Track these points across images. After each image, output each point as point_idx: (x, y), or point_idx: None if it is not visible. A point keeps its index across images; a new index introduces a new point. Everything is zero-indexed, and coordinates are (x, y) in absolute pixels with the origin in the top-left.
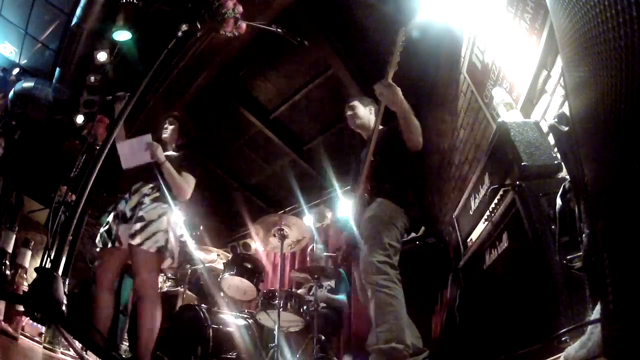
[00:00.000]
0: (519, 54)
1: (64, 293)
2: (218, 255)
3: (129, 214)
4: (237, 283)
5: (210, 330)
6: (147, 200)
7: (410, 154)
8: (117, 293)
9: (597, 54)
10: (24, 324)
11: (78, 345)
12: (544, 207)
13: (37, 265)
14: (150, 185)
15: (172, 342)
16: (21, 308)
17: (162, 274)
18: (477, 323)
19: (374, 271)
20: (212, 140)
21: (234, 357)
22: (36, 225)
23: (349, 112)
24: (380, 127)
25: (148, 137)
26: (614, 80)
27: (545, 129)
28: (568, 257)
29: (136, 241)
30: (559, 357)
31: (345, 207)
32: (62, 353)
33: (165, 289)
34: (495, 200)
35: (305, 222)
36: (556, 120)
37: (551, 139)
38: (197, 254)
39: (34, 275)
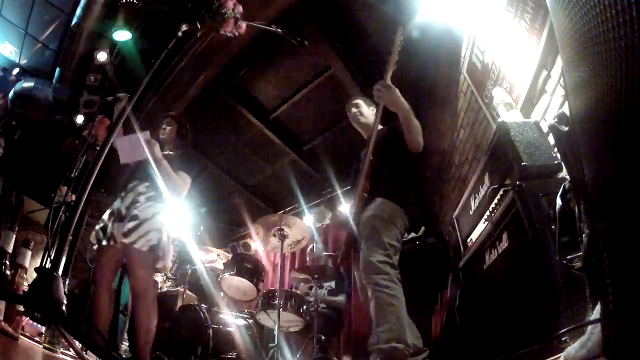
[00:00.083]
0: (519, 54)
1: (64, 293)
2: (218, 255)
3: (123, 212)
4: (237, 283)
5: (210, 330)
6: (142, 198)
7: (410, 153)
8: (117, 293)
9: (597, 54)
10: (24, 324)
11: (78, 345)
12: (544, 207)
13: (37, 265)
14: (146, 184)
15: (172, 342)
16: (21, 308)
17: (162, 274)
18: (477, 323)
19: (374, 271)
20: (212, 140)
21: (234, 357)
22: (36, 225)
23: (354, 110)
24: (380, 126)
25: (146, 134)
26: (614, 80)
27: (545, 129)
28: (568, 257)
29: (129, 240)
30: (559, 357)
31: (345, 207)
32: (62, 353)
33: (165, 289)
34: (495, 200)
35: (305, 222)
36: (556, 120)
37: (551, 139)
38: (197, 254)
39: (34, 275)
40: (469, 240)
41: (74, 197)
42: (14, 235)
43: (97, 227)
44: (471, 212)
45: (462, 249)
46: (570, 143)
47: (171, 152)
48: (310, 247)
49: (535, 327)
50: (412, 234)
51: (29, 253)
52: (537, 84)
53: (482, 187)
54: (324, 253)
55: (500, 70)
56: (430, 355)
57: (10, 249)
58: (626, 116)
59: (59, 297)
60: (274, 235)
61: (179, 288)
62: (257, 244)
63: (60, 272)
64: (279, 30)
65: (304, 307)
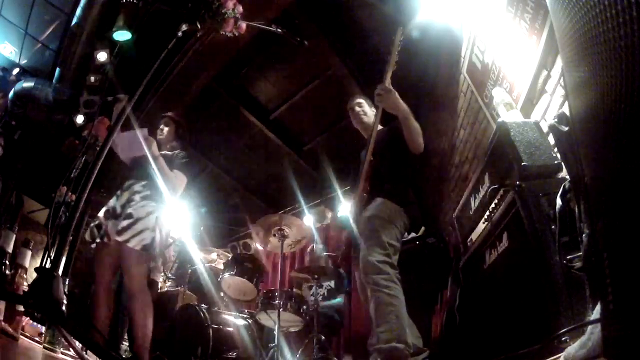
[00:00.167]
0: (519, 54)
1: (64, 293)
2: (218, 255)
3: (118, 210)
4: (237, 283)
5: (210, 330)
6: (137, 197)
7: (410, 154)
8: (117, 293)
9: (597, 54)
10: (24, 324)
11: (78, 345)
12: (544, 207)
13: (37, 265)
14: (142, 183)
15: (172, 342)
16: (21, 308)
17: (162, 274)
18: (477, 323)
19: (374, 270)
20: (212, 140)
21: (234, 357)
22: (36, 225)
23: (358, 109)
24: (380, 127)
25: (144, 131)
26: (614, 80)
27: (545, 129)
28: (568, 257)
29: (123, 238)
30: (559, 357)
31: (345, 207)
32: (62, 353)
33: (165, 289)
34: (495, 200)
35: (305, 222)
36: (556, 120)
37: (551, 139)
38: (197, 254)
39: (34, 275)
40: (469, 240)
41: (74, 197)
42: (14, 235)
43: (92, 224)
44: (471, 212)
45: (462, 249)
46: (570, 143)
47: (168, 152)
48: (310, 247)
49: (535, 327)
50: (412, 234)
51: (29, 253)
52: (537, 84)
53: (482, 187)
54: (324, 253)
55: (500, 70)
56: (430, 355)
57: (10, 249)
58: (626, 116)
59: (59, 297)
60: (274, 235)
61: (179, 288)
62: (257, 244)
63: (60, 272)
64: (279, 30)
65: (304, 307)
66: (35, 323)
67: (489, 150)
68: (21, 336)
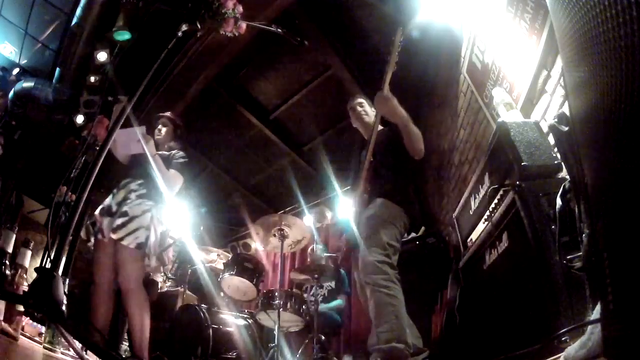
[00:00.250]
0: (519, 54)
1: (64, 293)
2: (218, 255)
3: (114, 208)
4: (237, 283)
5: (210, 330)
6: (133, 196)
7: (410, 154)
8: (118, 293)
9: (597, 54)
10: (24, 324)
11: (78, 345)
12: (544, 207)
13: (37, 265)
14: (138, 181)
15: (172, 342)
16: (21, 308)
17: (162, 274)
18: (477, 323)
19: (373, 271)
20: (212, 140)
21: (234, 357)
22: (36, 225)
23: (359, 108)
24: (381, 127)
25: (142, 129)
26: (614, 80)
27: (545, 129)
28: (568, 257)
29: (117, 235)
30: (559, 357)
31: (345, 207)
32: (62, 353)
33: (165, 289)
34: (495, 200)
35: (305, 222)
36: (556, 120)
37: (551, 139)
38: (197, 254)
39: (34, 275)
40: (469, 240)
41: (74, 197)
42: (14, 235)
43: (88, 222)
44: (471, 212)
45: (462, 249)
46: (570, 143)
47: (165, 152)
48: (310, 247)
49: (535, 327)
50: (412, 234)
51: (29, 253)
52: (537, 84)
53: (482, 187)
54: (324, 253)
55: (500, 70)
56: (430, 355)
57: (10, 249)
58: (626, 116)
59: (59, 297)
60: (274, 235)
61: (179, 288)
62: (257, 244)
63: (60, 272)
64: (279, 30)
65: (304, 307)
66: (35, 323)
67: (489, 150)
68: (21, 336)
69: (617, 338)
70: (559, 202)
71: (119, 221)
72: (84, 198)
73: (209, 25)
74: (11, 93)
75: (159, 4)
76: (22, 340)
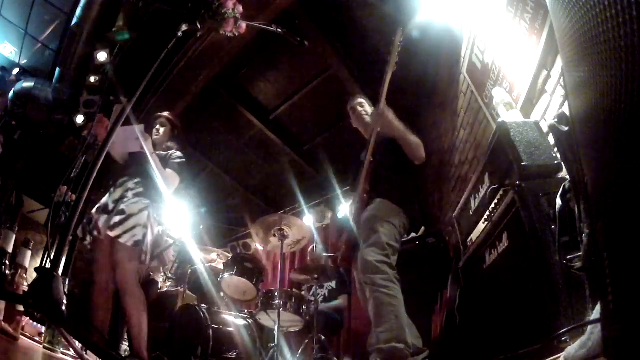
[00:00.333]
0: (519, 54)
1: (64, 293)
2: (218, 255)
3: (110, 206)
4: (237, 283)
5: (210, 330)
6: (130, 194)
7: None
8: (117, 292)
9: (597, 54)
10: (24, 324)
11: (78, 345)
12: (544, 207)
13: (37, 265)
14: (135, 180)
15: (172, 342)
16: (21, 308)
17: (162, 274)
18: (477, 323)
19: (372, 270)
20: (212, 140)
21: (234, 357)
22: (36, 225)
23: (359, 109)
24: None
25: (141, 127)
26: (614, 80)
27: (545, 129)
28: (568, 257)
29: (114, 233)
30: (559, 357)
31: (345, 207)
32: (62, 353)
33: (165, 289)
34: (495, 200)
35: (305, 222)
36: (556, 120)
37: (551, 139)
38: (197, 254)
39: (34, 275)
40: (469, 240)
41: (74, 197)
42: (14, 235)
43: (84, 221)
44: (471, 212)
45: (462, 249)
46: (570, 143)
47: (162, 152)
48: (310, 247)
49: (535, 327)
50: (412, 234)
51: (29, 253)
52: (537, 84)
53: (482, 187)
54: (324, 253)
55: (500, 70)
56: (430, 355)
57: (10, 249)
58: (626, 116)
59: (58, 297)
60: (274, 235)
61: (179, 288)
62: (257, 244)
63: (60, 272)
64: (279, 30)
65: (304, 307)
66: (35, 323)
67: (489, 150)
68: (21, 336)
69: (617, 338)
70: (559, 202)
71: (116, 219)
72: (84, 198)
73: (209, 25)
74: (11, 93)
75: (159, 4)
76: (22, 340)
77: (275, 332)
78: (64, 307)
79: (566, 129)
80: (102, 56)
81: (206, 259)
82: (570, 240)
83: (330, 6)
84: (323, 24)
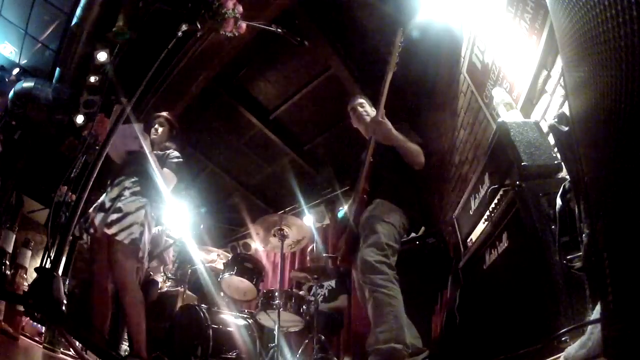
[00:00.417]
0: (519, 54)
1: (64, 293)
2: (218, 255)
3: (107, 204)
4: (237, 283)
5: (210, 330)
6: (127, 193)
7: None
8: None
9: (597, 54)
10: (24, 324)
11: (78, 345)
12: (544, 207)
13: (37, 265)
14: (132, 179)
15: (172, 342)
16: (21, 308)
17: (162, 274)
18: (477, 323)
19: (372, 271)
20: (212, 140)
21: (234, 357)
22: (36, 225)
23: (360, 109)
24: None
25: (139, 126)
26: (614, 80)
27: (545, 129)
28: (568, 257)
29: (111, 231)
30: (559, 357)
31: (345, 207)
32: (62, 353)
33: (165, 289)
34: (495, 200)
35: (305, 222)
36: (556, 120)
37: (551, 139)
38: (197, 254)
39: (34, 275)
40: (469, 240)
41: (74, 197)
42: (14, 235)
43: (81, 219)
44: (471, 212)
45: (462, 249)
46: (570, 143)
47: (159, 152)
48: (310, 247)
49: (535, 327)
50: (412, 234)
51: (29, 253)
52: (537, 84)
53: (482, 187)
54: (324, 253)
55: (500, 70)
56: (430, 356)
57: (10, 249)
58: (626, 116)
59: (58, 297)
60: (274, 235)
61: (179, 288)
62: (257, 244)
63: (60, 272)
64: (279, 30)
65: (304, 307)
66: (35, 323)
67: (489, 150)
68: (21, 336)
69: (617, 338)
70: (559, 202)
71: (113, 217)
72: (84, 198)
73: (209, 25)
74: (11, 93)
75: (159, 4)
76: (22, 340)
77: (275, 332)
78: (64, 307)
79: (566, 129)
80: (102, 56)
81: (206, 259)
82: (570, 240)
83: (330, 6)
84: (323, 23)
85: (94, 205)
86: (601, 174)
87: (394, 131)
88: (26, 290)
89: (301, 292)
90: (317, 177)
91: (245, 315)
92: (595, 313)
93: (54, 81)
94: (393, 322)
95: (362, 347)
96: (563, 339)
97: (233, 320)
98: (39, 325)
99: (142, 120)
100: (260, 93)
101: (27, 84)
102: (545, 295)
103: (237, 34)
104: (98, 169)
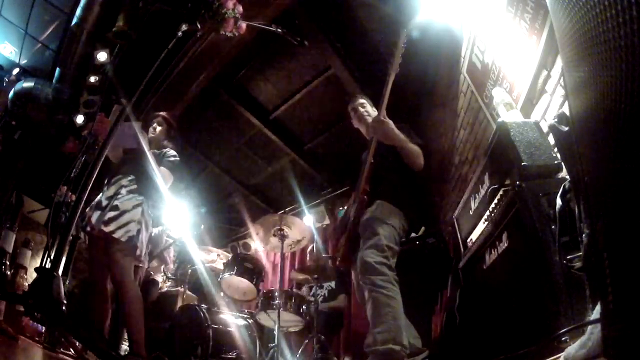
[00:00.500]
0: (519, 54)
1: (64, 293)
2: (218, 255)
3: (104, 202)
4: (237, 283)
5: (210, 330)
6: (123, 191)
7: None
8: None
9: (597, 54)
10: (24, 324)
11: (78, 345)
12: (544, 207)
13: (37, 265)
14: (129, 177)
15: (172, 342)
16: (21, 308)
17: (162, 274)
18: (477, 323)
19: (371, 272)
20: (212, 140)
21: (234, 357)
22: (36, 225)
23: (361, 109)
24: None
25: (137, 124)
26: (614, 80)
27: (545, 129)
28: (568, 257)
29: (108, 229)
30: (559, 357)
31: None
32: (62, 353)
33: (165, 289)
34: (495, 200)
35: (305, 222)
36: (556, 120)
37: (551, 139)
38: (197, 254)
39: (34, 275)
40: (469, 240)
41: (74, 197)
42: (14, 235)
43: (78, 218)
44: (471, 212)
45: (462, 249)
46: (570, 143)
47: (156, 151)
48: (310, 247)
49: (535, 327)
50: (412, 234)
51: (29, 253)
52: (537, 84)
53: (482, 187)
54: (324, 253)
55: (500, 70)
56: (430, 356)
57: (10, 249)
58: (626, 116)
59: (59, 297)
60: (274, 235)
61: (179, 288)
62: (257, 244)
63: (60, 272)
64: (279, 30)
65: (304, 307)
66: (35, 323)
67: (489, 150)
68: (21, 336)
69: (617, 338)
70: (559, 202)
71: (110, 214)
72: (84, 198)
73: (209, 25)
74: (11, 93)
75: (159, 4)
76: (22, 340)
77: (275, 332)
78: (64, 307)
79: (566, 129)
80: (102, 56)
81: (206, 259)
82: (570, 240)
83: (330, 6)
84: (323, 23)
85: (90, 204)
86: (601, 174)
87: (396, 131)
88: (26, 290)
89: (302, 292)
90: (317, 177)
91: (245, 315)
92: (595, 313)
93: (54, 81)
94: (391, 323)
95: (361, 347)
96: (563, 339)
97: (233, 320)
98: (39, 325)
99: (141, 120)
100: (260, 93)
101: (27, 84)
102: (545, 295)
103: (237, 34)
104: (98, 169)
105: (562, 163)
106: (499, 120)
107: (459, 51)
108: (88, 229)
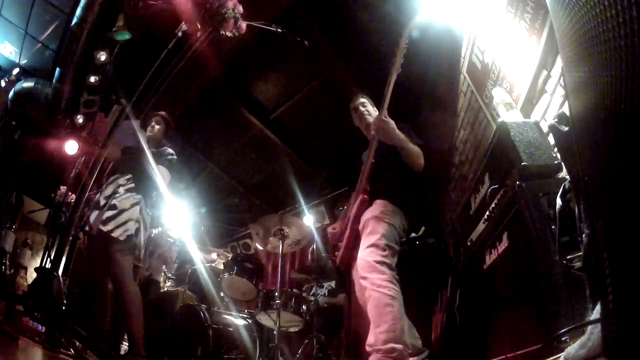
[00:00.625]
0: (519, 54)
1: (64, 293)
2: (218, 255)
3: (102, 202)
4: (237, 283)
5: (210, 330)
6: (121, 190)
7: None
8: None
9: (597, 54)
10: (24, 324)
11: (78, 345)
12: (544, 207)
13: (37, 265)
14: (127, 177)
15: (172, 342)
16: (21, 308)
17: (162, 274)
18: (477, 323)
19: (372, 271)
20: (212, 140)
21: (234, 357)
22: (36, 225)
23: (362, 109)
24: None
25: (136, 123)
26: (614, 80)
27: (545, 129)
28: (568, 257)
29: (107, 228)
30: (559, 357)
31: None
32: (62, 353)
33: (165, 289)
34: (495, 200)
35: (305, 222)
36: (556, 120)
37: (551, 139)
38: (197, 254)
39: (34, 275)
40: (469, 240)
41: (74, 197)
42: (14, 235)
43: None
44: (471, 212)
45: (462, 249)
46: (570, 143)
47: (154, 149)
48: (310, 247)
49: (535, 327)
50: (412, 234)
51: (29, 253)
52: (537, 84)
53: (482, 187)
54: (324, 253)
55: (500, 70)
56: (430, 356)
57: (10, 249)
58: (626, 116)
59: (58, 297)
60: (274, 235)
61: (179, 288)
62: (257, 244)
63: (60, 272)
64: (279, 30)
65: (304, 307)
66: (35, 323)
67: (489, 150)
68: (21, 336)
69: (617, 338)
70: (559, 202)
71: (108, 213)
72: (84, 198)
73: (209, 25)
74: (11, 93)
75: (159, 4)
76: (22, 340)
77: (275, 332)
78: (64, 307)
79: (566, 129)
80: (102, 56)
81: (206, 259)
82: (570, 240)
83: (330, 6)
84: (323, 24)
85: (89, 204)
86: (601, 174)
87: (396, 131)
88: (26, 290)
89: (301, 292)
90: (317, 177)
91: (245, 315)
92: (595, 313)
93: (54, 81)
94: (393, 322)
95: (362, 347)
96: (563, 339)
97: (233, 320)
98: (39, 325)
99: (141, 121)
100: (260, 93)
101: (27, 84)
102: (545, 295)
103: (237, 34)
104: (98, 169)
105: (562, 163)
106: (499, 120)
107: (459, 51)
108: (86, 228)
